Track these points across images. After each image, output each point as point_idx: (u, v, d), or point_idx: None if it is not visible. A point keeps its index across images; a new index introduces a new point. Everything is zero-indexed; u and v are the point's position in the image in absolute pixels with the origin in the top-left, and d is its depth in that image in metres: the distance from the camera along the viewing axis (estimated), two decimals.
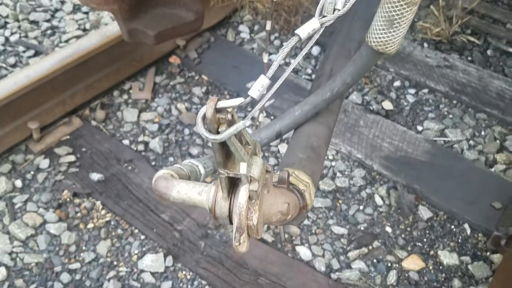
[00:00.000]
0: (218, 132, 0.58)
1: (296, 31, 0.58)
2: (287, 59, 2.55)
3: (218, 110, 0.57)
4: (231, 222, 0.65)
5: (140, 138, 2.07)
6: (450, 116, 2.24)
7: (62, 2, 2.63)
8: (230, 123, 0.57)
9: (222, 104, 0.56)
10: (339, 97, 1.02)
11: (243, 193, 0.60)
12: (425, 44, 2.55)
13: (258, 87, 0.57)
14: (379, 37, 0.86)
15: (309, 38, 0.58)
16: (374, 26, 0.86)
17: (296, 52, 2.51)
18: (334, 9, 0.57)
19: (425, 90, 2.35)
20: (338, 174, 2.02)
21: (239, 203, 0.60)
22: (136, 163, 1.97)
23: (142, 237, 1.76)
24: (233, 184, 0.65)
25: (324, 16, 0.58)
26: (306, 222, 1.86)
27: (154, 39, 1.14)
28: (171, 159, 2.03)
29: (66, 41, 2.41)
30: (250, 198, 0.60)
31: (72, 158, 1.96)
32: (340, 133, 2.14)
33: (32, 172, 1.92)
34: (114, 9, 1.07)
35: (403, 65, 2.43)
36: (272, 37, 2.66)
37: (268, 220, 0.68)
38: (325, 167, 2.05)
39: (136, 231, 1.77)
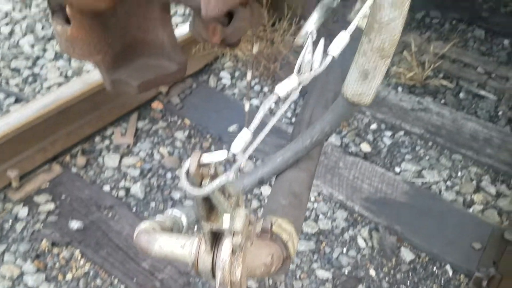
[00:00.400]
0: (201, 186, 0.59)
1: (275, 89, 0.61)
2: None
3: (201, 164, 0.58)
4: (214, 276, 0.65)
5: (121, 184, 2.06)
6: (427, 157, 2.30)
7: (44, 50, 2.66)
8: (213, 176, 0.59)
9: (206, 159, 0.58)
10: (318, 144, 1.05)
11: (226, 247, 0.61)
12: (399, 88, 2.65)
13: (240, 141, 0.59)
14: (354, 89, 0.90)
15: (287, 96, 0.61)
16: (349, 79, 0.90)
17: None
18: (311, 68, 0.61)
19: (401, 133, 2.42)
20: (321, 216, 2.03)
21: (222, 258, 0.60)
22: (117, 209, 1.94)
23: (122, 287, 1.71)
24: (216, 237, 0.65)
25: (302, 74, 0.61)
26: (290, 266, 1.84)
27: (137, 89, 1.16)
28: (152, 204, 2.01)
29: (48, 88, 2.42)
30: (233, 251, 0.61)
31: (51, 206, 1.93)
32: (321, 175, 2.17)
33: (10, 222, 1.87)
34: (97, 60, 1.09)
35: (378, 109, 2.51)
36: (253, 83, 2.73)
37: (252, 273, 0.68)
38: (308, 209, 2.07)
39: (116, 281, 1.73)
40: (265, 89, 2.68)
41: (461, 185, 2.17)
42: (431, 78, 2.67)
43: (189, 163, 0.57)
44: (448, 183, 2.18)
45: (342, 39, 0.61)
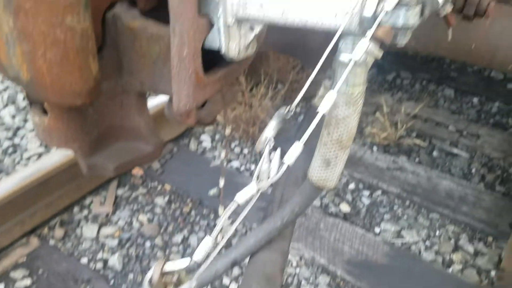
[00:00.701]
0: None
1: (235, 197, 0.64)
2: (247, 164, 2.66)
3: (164, 273, 0.61)
4: None
5: (99, 255, 2.04)
6: (405, 217, 2.34)
7: (25, 120, 2.69)
8: (177, 284, 0.61)
9: (169, 267, 0.60)
10: (289, 225, 1.08)
11: None
12: (375, 148, 2.73)
13: (202, 249, 0.61)
14: (319, 175, 0.94)
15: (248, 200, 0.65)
16: (313, 165, 0.95)
17: (256, 158, 2.62)
18: (269, 175, 0.65)
19: (379, 192, 2.47)
20: (303, 282, 2.02)
21: None
22: (94, 283, 1.91)
23: None
24: None
25: (260, 182, 0.65)
26: None
27: (114, 172, 1.18)
28: (130, 276, 1.98)
29: (28, 158, 2.44)
30: None
31: (28, 281, 1.89)
32: (302, 238, 2.18)
33: None
34: (74, 147, 1.12)
35: (355, 168, 2.57)
36: (232, 145, 2.78)
37: None
38: (290, 275, 2.06)
39: None
40: (245, 151, 2.74)
41: (440, 245, 2.19)
42: (404, 138, 2.76)
43: (152, 272, 0.60)
44: (427, 242, 2.21)
45: (296, 149, 0.66)
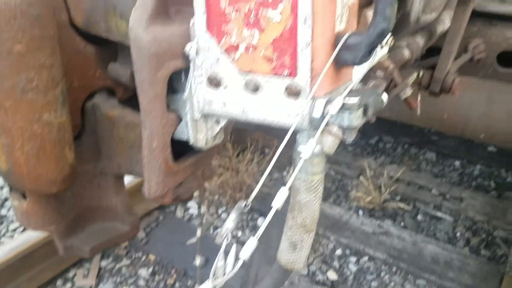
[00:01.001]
0: None
1: None
2: (234, 231, 2.66)
3: None
4: None
5: None
6: (392, 283, 2.32)
7: None
8: None
9: None
10: None
11: None
12: (360, 212, 2.75)
13: None
14: (287, 258, 0.97)
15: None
16: (281, 248, 0.98)
17: (243, 225, 2.63)
18: (225, 272, 0.68)
19: (366, 258, 2.46)
20: None
21: None
22: None
23: None
24: None
25: (216, 279, 0.68)
26: None
27: (89, 253, 1.20)
28: None
29: (14, 230, 2.44)
30: None
31: None
32: None
33: None
34: (50, 230, 1.15)
35: (342, 233, 2.57)
36: (220, 211, 2.80)
37: None
38: None
39: None
40: None
41: None
42: (388, 201, 2.79)
43: None
44: None
45: (251, 245, 0.69)
